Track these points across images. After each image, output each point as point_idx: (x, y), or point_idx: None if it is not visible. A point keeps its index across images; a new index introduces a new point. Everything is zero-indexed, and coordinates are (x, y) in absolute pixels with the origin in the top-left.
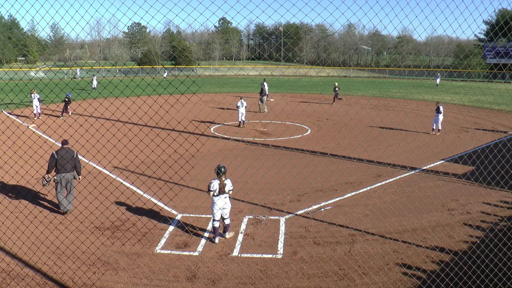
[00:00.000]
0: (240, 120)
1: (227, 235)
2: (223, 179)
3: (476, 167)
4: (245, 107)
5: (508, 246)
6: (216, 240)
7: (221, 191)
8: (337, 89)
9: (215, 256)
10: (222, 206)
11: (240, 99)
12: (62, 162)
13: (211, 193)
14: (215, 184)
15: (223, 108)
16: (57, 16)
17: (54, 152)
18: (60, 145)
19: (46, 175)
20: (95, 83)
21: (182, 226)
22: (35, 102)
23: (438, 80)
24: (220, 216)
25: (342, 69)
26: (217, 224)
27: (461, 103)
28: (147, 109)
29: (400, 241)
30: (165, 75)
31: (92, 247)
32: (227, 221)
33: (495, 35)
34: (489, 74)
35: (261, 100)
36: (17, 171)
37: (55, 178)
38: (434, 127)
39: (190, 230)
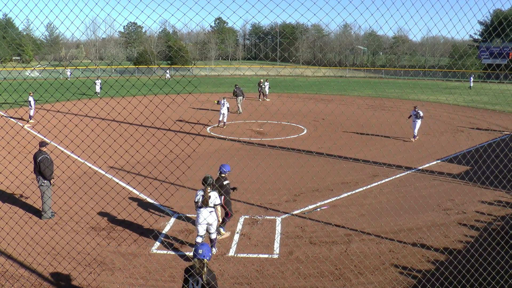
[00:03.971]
0: (224, 120)
1: (214, 251)
2: (208, 190)
3: (471, 167)
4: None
5: (502, 246)
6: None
7: (205, 203)
8: (262, 85)
9: (211, 256)
10: (206, 221)
11: (223, 99)
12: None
13: (195, 204)
14: (199, 195)
15: (215, 110)
16: (52, 16)
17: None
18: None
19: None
20: (98, 88)
21: (178, 226)
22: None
23: (471, 82)
24: (204, 231)
25: (338, 69)
26: (199, 240)
27: (456, 103)
28: (142, 109)
29: (395, 241)
30: (167, 75)
31: (87, 248)
32: (212, 236)
33: (490, 36)
34: (483, 74)
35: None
36: (11, 171)
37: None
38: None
39: (186, 230)
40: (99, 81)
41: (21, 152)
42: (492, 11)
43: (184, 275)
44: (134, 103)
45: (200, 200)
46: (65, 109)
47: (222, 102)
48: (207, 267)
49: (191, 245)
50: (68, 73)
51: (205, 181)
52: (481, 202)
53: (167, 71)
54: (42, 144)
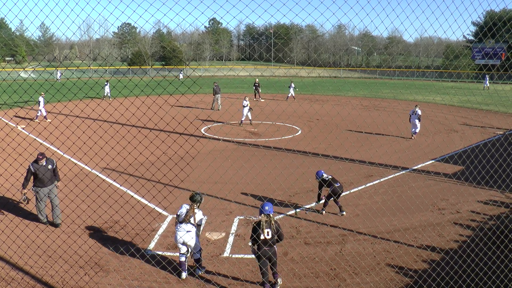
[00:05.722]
0: (249, 119)
1: (200, 272)
2: (195, 207)
3: (466, 167)
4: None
5: (497, 245)
6: (183, 275)
7: (186, 219)
8: (257, 84)
9: (206, 257)
10: (182, 239)
11: (245, 99)
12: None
13: (177, 217)
14: (183, 209)
15: (211, 109)
16: (44, 16)
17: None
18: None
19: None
20: (107, 90)
21: (172, 227)
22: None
23: (487, 83)
24: (186, 250)
25: (333, 69)
26: (183, 258)
27: (451, 103)
28: (135, 110)
29: (391, 241)
30: (181, 76)
31: (81, 250)
32: (195, 256)
33: (484, 36)
34: (477, 74)
35: (216, 98)
36: (1, 174)
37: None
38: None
39: None
40: (108, 84)
41: (10, 154)
42: (486, 12)
43: (252, 235)
44: (126, 104)
45: (184, 213)
46: (56, 110)
47: (244, 103)
48: (273, 218)
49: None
50: (58, 75)
51: (192, 199)
52: (476, 202)
53: (181, 72)
54: (39, 154)
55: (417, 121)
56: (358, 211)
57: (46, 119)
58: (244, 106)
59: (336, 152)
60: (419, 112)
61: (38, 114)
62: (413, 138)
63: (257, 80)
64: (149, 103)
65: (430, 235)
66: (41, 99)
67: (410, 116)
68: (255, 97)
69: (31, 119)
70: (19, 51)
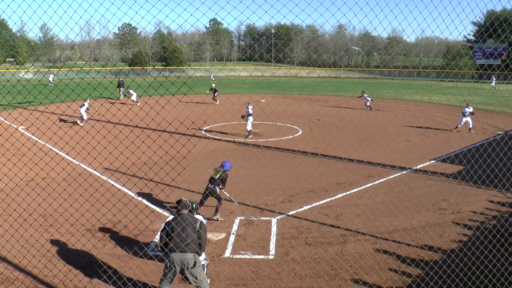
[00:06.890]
0: (249, 129)
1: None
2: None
3: (465, 167)
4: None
5: (495, 245)
6: None
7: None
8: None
9: (207, 257)
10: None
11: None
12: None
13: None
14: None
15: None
16: (46, 17)
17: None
18: None
19: None
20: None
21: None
22: (83, 109)
23: (493, 82)
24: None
25: (333, 70)
26: None
27: (450, 103)
28: (137, 110)
29: (390, 241)
30: (211, 77)
31: (83, 250)
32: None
33: (483, 36)
34: (476, 74)
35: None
36: (6, 173)
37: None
38: (471, 126)
39: None
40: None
41: (15, 154)
42: (485, 11)
43: None
44: (129, 105)
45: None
46: (59, 111)
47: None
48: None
49: None
50: (51, 78)
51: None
52: (476, 202)
53: (212, 74)
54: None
55: (469, 117)
56: (358, 211)
57: (79, 123)
58: (249, 114)
59: (335, 152)
60: (471, 109)
61: (84, 118)
62: (454, 132)
63: (213, 85)
64: (152, 103)
65: (430, 236)
66: (85, 103)
67: (463, 113)
68: (213, 98)
69: (74, 123)
70: (19, 52)
